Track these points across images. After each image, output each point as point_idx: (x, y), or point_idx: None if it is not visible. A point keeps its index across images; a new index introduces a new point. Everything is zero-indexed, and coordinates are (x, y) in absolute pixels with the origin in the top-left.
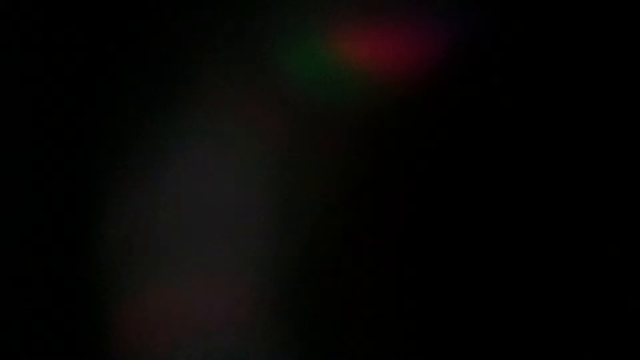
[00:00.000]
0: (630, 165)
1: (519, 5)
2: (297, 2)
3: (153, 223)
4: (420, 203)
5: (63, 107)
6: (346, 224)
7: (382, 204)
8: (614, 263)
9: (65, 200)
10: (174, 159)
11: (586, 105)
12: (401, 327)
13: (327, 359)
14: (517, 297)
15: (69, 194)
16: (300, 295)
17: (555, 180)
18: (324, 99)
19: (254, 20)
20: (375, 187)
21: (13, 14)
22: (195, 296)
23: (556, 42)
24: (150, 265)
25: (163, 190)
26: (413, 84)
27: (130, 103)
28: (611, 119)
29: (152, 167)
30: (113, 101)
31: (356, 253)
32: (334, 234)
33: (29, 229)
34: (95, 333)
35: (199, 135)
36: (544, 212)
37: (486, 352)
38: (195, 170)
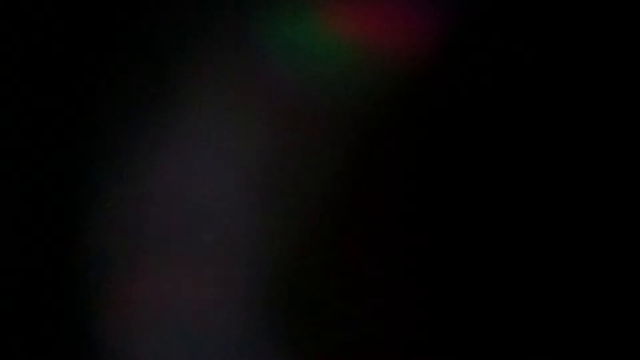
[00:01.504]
0: (630, 164)
1: None
2: None
3: (147, 219)
4: (413, 187)
5: (56, 105)
6: (340, 210)
7: (378, 192)
8: (614, 261)
9: (58, 197)
10: (166, 151)
11: (584, 90)
12: (400, 325)
13: (321, 356)
14: (517, 297)
15: (63, 191)
16: (296, 292)
17: (553, 167)
18: (317, 81)
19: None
20: (371, 173)
21: (7, 14)
22: (191, 294)
23: (556, 26)
24: (146, 262)
25: (157, 183)
26: (409, 64)
27: (119, 93)
28: (610, 108)
29: (145, 159)
30: (103, 94)
31: (353, 246)
32: (328, 221)
33: (19, 226)
34: (85, 331)
35: (190, 121)
36: (542, 201)
37: (486, 351)
38: (188, 160)
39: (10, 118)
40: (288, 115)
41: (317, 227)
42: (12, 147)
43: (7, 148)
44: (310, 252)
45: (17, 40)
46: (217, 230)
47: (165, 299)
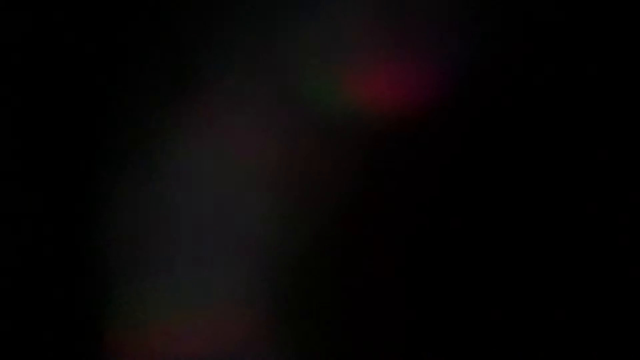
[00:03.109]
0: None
1: (521, 44)
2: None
3: (156, 225)
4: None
5: (67, 106)
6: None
7: (382, 215)
8: (614, 263)
9: (68, 200)
10: (178, 159)
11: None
12: (404, 329)
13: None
14: (518, 299)
15: (72, 194)
16: (302, 296)
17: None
18: (330, 117)
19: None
20: (373, 201)
21: (13, 14)
22: (197, 300)
23: (554, 80)
24: (153, 266)
25: (167, 191)
26: (411, 114)
27: (138, 104)
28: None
29: (156, 168)
30: (121, 101)
31: (357, 251)
32: (334, 227)
33: (31, 228)
34: (94, 334)
35: (205, 125)
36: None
37: (486, 352)
38: (201, 163)
39: (21, 118)
40: (300, 124)
41: (324, 232)
42: (22, 148)
43: (19, 148)
44: (317, 258)
45: (21, 44)
46: (226, 233)
47: (170, 299)
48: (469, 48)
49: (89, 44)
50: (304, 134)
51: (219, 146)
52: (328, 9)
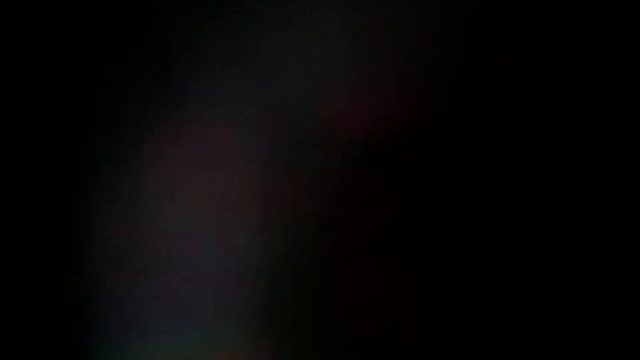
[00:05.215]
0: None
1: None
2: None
3: (146, 230)
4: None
5: (58, 110)
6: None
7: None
8: (614, 264)
9: (57, 203)
10: (168, 156)
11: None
12: (403, 331)
13: None
14: (518, 301)
15: (61, 198)
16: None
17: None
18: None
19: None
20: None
21: (11, 14)
22: (191, 296)
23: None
24: (146, 265)
25: (156, 197)
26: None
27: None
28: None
29: (147, 172)
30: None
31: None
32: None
33: (20, 233)
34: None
35: (193, 124)
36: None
37: (486, 353)
38: (191, 164)
39: (16, 120)
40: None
41: (317, 236)
42: (16, 149)
43: (13, 149)
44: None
45: (21, 40)
46: (217, 236)
47: (165, 300)
48: (447, 71)
49: (81, 43)
50: (287, 149)
51: (203, 169)
52: (312, 36)
